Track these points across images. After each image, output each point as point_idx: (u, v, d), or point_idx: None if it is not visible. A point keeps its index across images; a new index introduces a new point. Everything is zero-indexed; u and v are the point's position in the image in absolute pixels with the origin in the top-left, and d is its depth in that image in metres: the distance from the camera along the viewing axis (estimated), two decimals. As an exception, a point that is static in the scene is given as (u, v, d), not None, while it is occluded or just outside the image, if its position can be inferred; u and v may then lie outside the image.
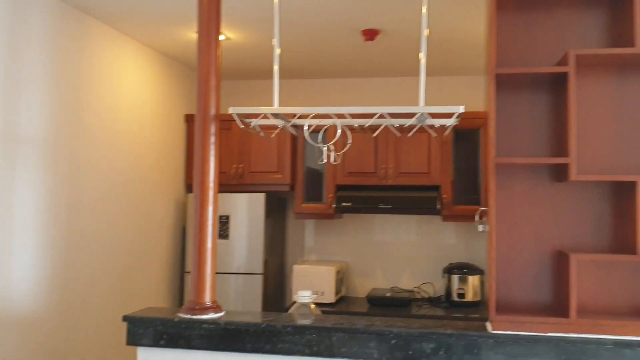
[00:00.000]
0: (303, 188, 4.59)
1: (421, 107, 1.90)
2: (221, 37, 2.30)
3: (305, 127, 1.97)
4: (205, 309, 2.16)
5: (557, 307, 1.97)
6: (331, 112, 1.96)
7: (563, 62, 1.89)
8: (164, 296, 4.32)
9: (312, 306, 2.33)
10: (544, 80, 1.96)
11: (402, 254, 4.86)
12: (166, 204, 4.34)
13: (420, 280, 4.82)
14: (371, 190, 4.45)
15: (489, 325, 1.97)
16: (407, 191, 4.42)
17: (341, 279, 4.64)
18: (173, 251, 4.45)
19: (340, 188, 4.50)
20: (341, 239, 4.93)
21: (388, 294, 4.50)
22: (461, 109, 1.86)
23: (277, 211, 4.74)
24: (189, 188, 4.69)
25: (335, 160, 2.07)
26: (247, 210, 4.34)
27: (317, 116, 2.80)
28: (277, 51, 2.18)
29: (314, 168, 4.62)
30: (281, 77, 4.85)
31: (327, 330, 2.05)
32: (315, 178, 4.63)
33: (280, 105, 4.26)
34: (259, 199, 4.34)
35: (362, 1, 3.00)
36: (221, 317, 2.15)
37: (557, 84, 1.97)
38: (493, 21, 1.92)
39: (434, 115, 2.79)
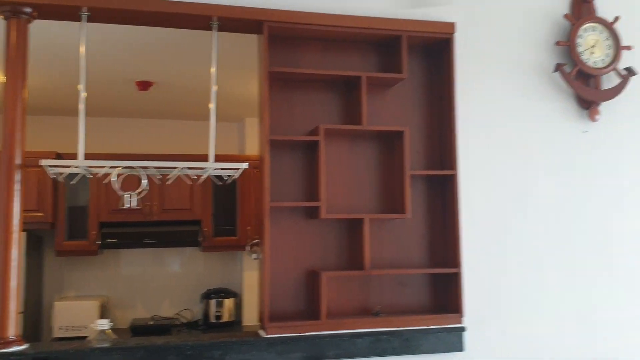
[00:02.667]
0: (64, 226, 4.66)
1: (212, 164, 2.43)
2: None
3: (115, 179, 2.32)
4: (9, 343, 2.32)
5: (313, 312, 2.64)
6: (136, 165, 2.36)
7: (315, 132, 2.60)
8: None
9: (109, 332, 2.63)
10: (303, 144, 2.65)
11: (162, 284, 5.21)
12: None
13: (179, 308, 5.21)
14: (136, 226, 4.75)
15: (262, 332, 2.54)
16: (170, 226, 4.83)
17: (103, 312, 4.80)
18: None
19: (104, 225, 4.70)
20: (101, 274, 5.08)
21: (150, 322, 4.81)
22: (244, 166, 2.44)
23: (36, 249, 4.71)
24: None
25: (137, 205, 2.44)
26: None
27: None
28: (81, 107, 2.48)
29: (78, 205, 4.74)
30: (64, 114, 4.85)
31: (131, 349, 2.40)
32: (78, 215, 4.74)
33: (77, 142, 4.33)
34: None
35: (137, 57, 3.41)
36: (27, 348, 2.34)
37: (311, 147, 2.67)
38: (266, 98, 2.55)
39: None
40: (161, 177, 2.43)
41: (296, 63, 2.71)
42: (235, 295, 5.10)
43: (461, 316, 2.69)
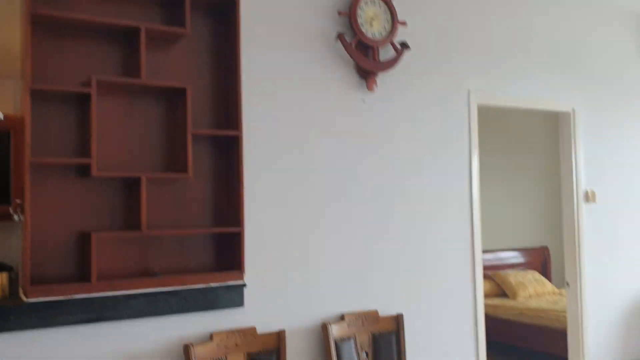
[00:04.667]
0: None
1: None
2: None
3: None
4: None
5: (84, 275, 2.48)
6: None
7: (87, 84, 2.42)
8: None
9: None
10: (74, 97, 2.45)
11: None
12: None
13: (-57, 285, 4.61)
14: None
15: (23, 297, 2.33)
16: None
17: None
18: None
19: None
20: None
21: None
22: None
23: None
24: None
25: None
26: None
27: None
28: None
29: None
30: None
31: None
32: None
33: None
34: None
35: None
36: None
37: (83, 100, 2.48)
38: (28, 43, 2.30)
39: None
40: None
41: (66, 6, 2.49)
42: (11, 269, 4.64)
43: (242, 273, 2.73)
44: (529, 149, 7.13)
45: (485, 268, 6.66)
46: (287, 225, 2.98)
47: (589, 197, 4.11)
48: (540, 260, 6.97)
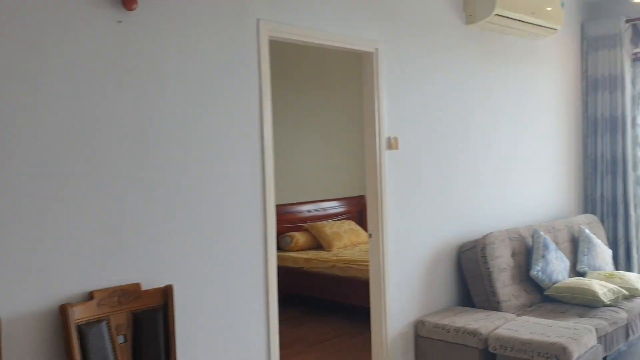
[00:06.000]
0: None
1: None
2: None
3: None
4: None
5: None
6: None
7: None
8: None
9: None
10: None
11: None
12: None
13: None
14: None
15: None
16: None
17: None
18: None
19: None
20: None
21: None
22: None
23: None
24: None
25: None
26: None
27: None
28: None
29: None
30: None
31: None
32: None
33: None
34: None
35: None
36: None
37: None
38: None
39: None
40: None
41: None
42: None
43: None
44: (343, 93, 6.84)
45: (306, 220, 6.40)
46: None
47: (391, 144, 3.85)
48: (358, 210, 6.86)
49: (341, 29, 3.56)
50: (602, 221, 5.58)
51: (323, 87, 6.71)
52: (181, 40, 2.82)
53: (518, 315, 4.02)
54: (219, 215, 2.96)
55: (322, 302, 5.61)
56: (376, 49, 3.76)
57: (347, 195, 6.94)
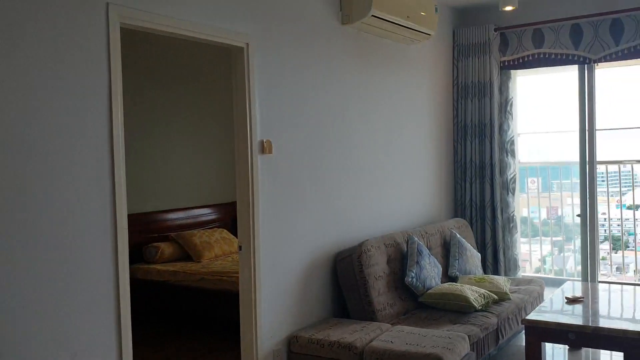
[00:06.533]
0: None
1: None
2: None
3: None
4: None
5: None
6: None
7: None
8: None
9: None
10: None
11: None
12: None
13: None
14: None
15: None
16: None
17: None
18: None
19: None
20: None
21: None
22: None
23: None
24: None
25: None
26: None
27: None
28: None
29: None
30: None
31: None
32: None
33: None
34: None
35: None
36: None
37: None
38: None
39: None
40: None
41: None
42: None
43: None
44: (215, 90, 6.44)
45: (175, 228, 5.94)
46: None
47: (264, 148, 3.58)
48: (231, 217, 6.51)
49: (208, 19, 3.24)
50: (472, 225, 5.70)
51: (192, 83, 6.26)
52: (9, 24, 2.36)
53: (393, 324, 3.91)
54: (56, 230, 2.52)
55: (192, 318, 5.20)
56: (247, 44, 3.47)
57: (219, 202, 6.57)
